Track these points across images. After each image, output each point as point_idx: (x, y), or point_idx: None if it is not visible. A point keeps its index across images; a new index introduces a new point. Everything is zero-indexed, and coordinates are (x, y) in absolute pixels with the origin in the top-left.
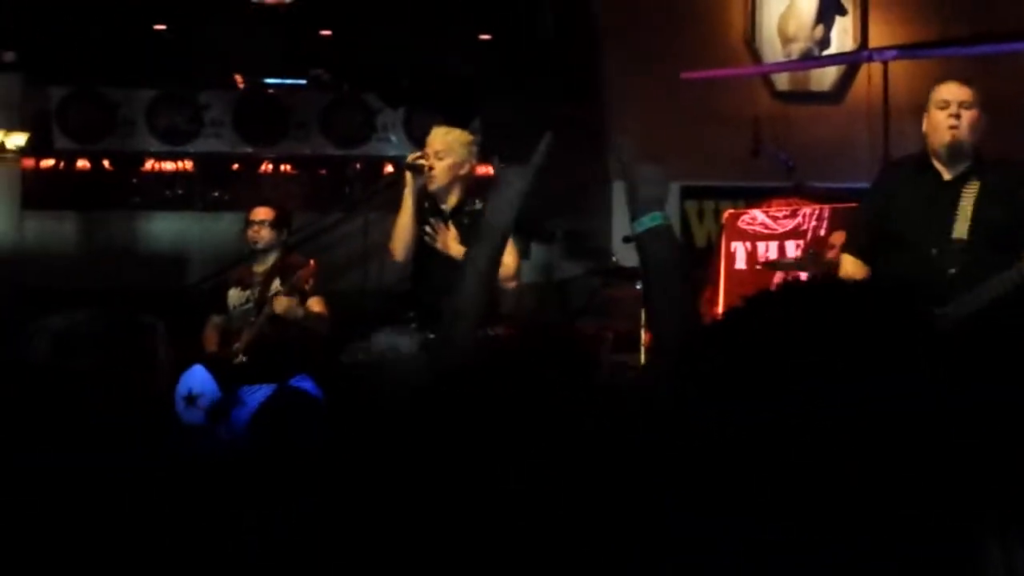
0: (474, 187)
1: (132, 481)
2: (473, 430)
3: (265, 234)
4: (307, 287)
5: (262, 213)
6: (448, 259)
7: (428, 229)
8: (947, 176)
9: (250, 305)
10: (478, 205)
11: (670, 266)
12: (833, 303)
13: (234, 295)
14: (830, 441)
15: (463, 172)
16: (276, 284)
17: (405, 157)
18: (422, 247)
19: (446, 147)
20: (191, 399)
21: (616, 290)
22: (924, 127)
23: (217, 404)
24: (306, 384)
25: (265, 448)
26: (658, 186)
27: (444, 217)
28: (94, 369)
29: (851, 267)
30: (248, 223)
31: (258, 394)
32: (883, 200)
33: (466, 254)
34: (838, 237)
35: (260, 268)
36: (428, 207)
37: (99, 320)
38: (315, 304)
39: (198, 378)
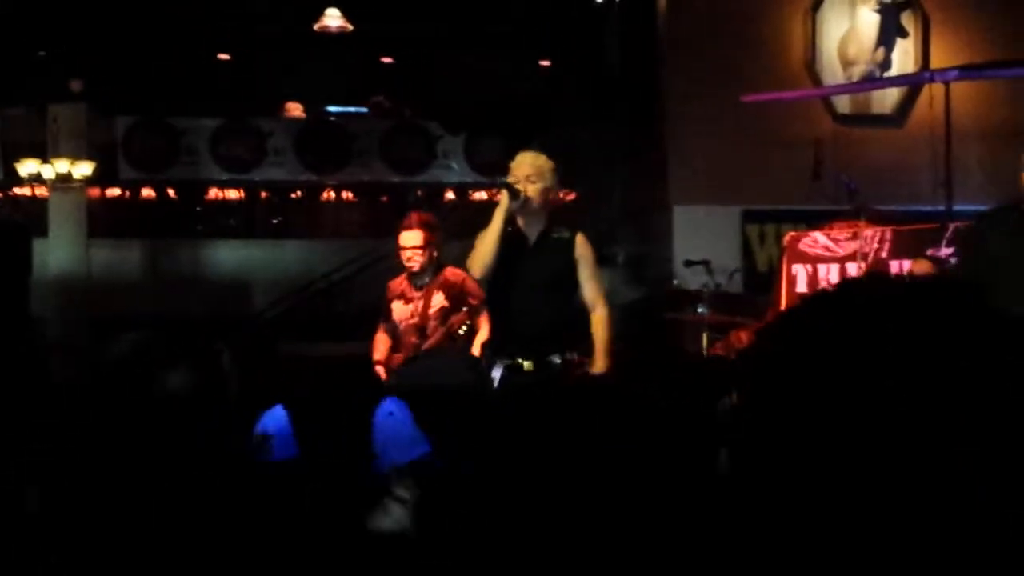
0: (558, 214)
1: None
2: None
3: (419, 258)
4: (463, 329)
5: (412, 239)
6: (527, 286)
7: None
8: None
9: (415, 320)
10: (566, 233)
11: None
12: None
13: (399, 309)
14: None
15: (551, 197)
16: (439, 298)
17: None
18: (501, 274)
19: (537, 171)
20: (265, 439)
21: (677, 314)
22: None
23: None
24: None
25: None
26: None
27: (528, 244)
28: (160, 392)
29: None
30: (400, 248)
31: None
32: (979, 249)
33: None
34: (920, 266)
35: (419, 282)
36: (512, 231)
37: (165, 343)
38: (483, 320)
39: (276, 420)
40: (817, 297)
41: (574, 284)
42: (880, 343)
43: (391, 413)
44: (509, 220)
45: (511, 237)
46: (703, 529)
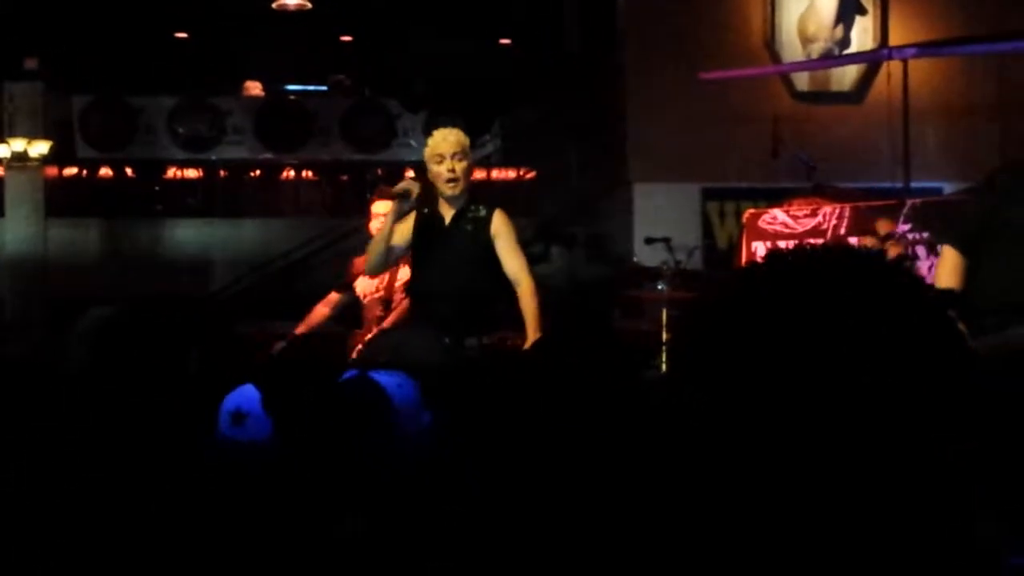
0: (474, 196)
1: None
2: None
3: None
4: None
5: (383, 207)
6: (443, 267)
7: None
8: None
9: (380, 294)
10: (482, 211)
11: None
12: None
13: (364, 284)
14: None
15: (472, 176)
16: (405, 272)
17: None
18: (418, 255)
19: (462, 148)
20: (238, 417)
21: (638, 291)
22: None
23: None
24: (387, 379)
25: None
26: None
27: (445, 224)
28: (124, 370)
29: (952, 259)
30: (372, 216)
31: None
32: (998, 199)
33: None
34: (867, 241)
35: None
36: (428, 212)
37: (128, 319)
38: None
39: (247, 397)
40: (749, 269)
41: (493, 263)
42: (817, 313)
43: (400, 385)
44: (426, 201)
45: (428, 217)
46: (638, 508)
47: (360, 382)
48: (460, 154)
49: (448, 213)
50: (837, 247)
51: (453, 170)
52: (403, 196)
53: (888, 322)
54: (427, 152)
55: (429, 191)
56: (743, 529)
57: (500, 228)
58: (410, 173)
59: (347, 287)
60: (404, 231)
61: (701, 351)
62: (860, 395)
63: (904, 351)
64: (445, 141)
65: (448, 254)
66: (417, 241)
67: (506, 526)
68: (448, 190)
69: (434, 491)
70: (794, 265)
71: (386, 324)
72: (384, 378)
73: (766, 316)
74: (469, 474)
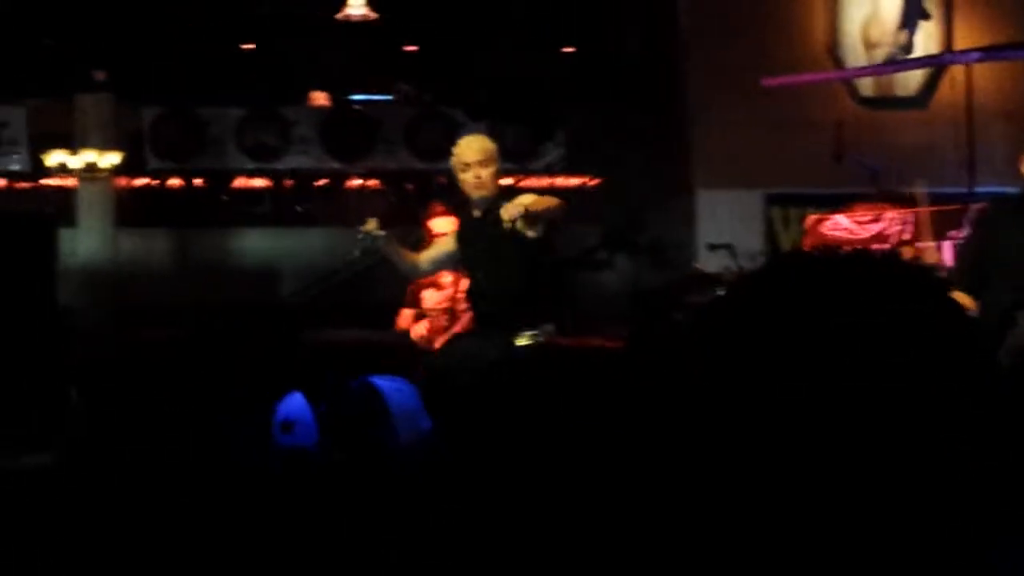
0: (503, 193)
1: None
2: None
3: None
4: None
5: (447, 225)
6: (485, 268)
7: None
8: None
9: (446, 304)
10: (504, 204)
11: None
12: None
13: (430, 296)
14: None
15: (499, 179)
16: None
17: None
18: (463, 256)
19: (487, 155)
20: (287, 426)
21: (700, 297)
22: None
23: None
24: (386, 384)
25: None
26: None
27: (475, 226)
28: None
29: (961, 300)
30: (434, 235)
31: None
32: (988, 235)
33: None
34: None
35: (450, 271)
36: (466, 218)
37: (199, 336)
38: None
39: (295, 405)
40: (767, 271)
41: (527, 256)
42: (836, 316)
43: (399, 390)
44: (463, 206)
45: (465, 222)
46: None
47: (360, 387)
48: (485, 160)
49: (478, 216)
50: (857, 251)
51: (479, 176)
52: (366, 241)
53: (909, 325)
54: (453, 161)
55: (468, 199)
56: (750, 529)
57: (515, 199)
58: None
59: (414, 304)
60: (443, 243)
61: (718, 352)
62: (879, 398)
63: (925, 355)
64: (469, 149)
65: (481, 254)
66: (460, 246)
67: (507, 528)
68: (475, 194)
69: (442, 494)
70: (813, 267)
71: (455, 330)
72: (383, 383)
73: (783, 318)
74: (469, 476)
